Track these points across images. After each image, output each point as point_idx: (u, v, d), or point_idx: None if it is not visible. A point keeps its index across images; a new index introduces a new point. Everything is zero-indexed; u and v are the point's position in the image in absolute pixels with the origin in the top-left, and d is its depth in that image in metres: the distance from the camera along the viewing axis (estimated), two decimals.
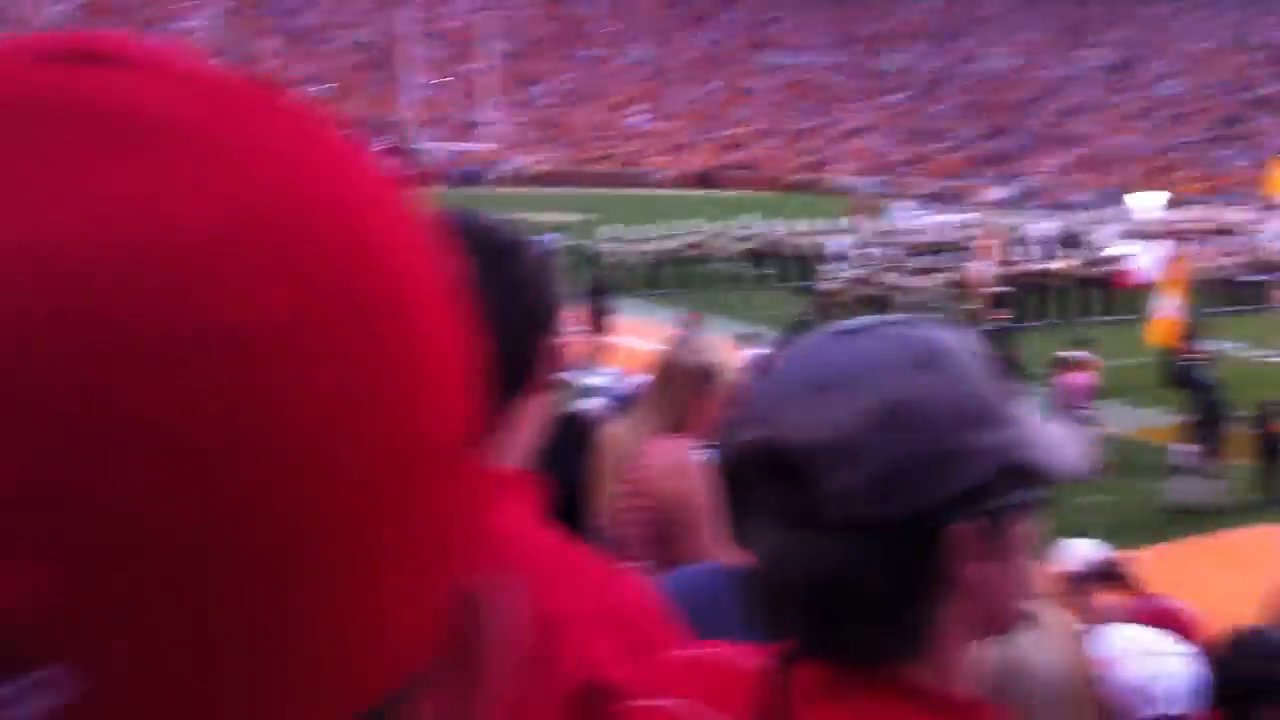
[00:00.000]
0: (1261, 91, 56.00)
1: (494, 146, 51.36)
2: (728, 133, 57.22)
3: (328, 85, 53.48)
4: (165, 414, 0.36)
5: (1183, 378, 13.88)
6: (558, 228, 25.21)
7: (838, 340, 1.06)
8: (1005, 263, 22.92)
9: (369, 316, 0.40)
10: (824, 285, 21.99)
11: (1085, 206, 37.49)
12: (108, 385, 0.35)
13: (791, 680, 1.07)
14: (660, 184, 50.22)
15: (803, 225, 27.92)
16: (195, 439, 0.36)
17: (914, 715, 1.04)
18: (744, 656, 1.16)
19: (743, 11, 67.50)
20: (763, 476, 1.04)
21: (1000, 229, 26.44)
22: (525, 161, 51.90)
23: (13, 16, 50.06)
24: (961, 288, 21.92)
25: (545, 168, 51.51)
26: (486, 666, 0.52)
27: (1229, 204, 35.22)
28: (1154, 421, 14.64)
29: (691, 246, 25.99)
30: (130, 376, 0.36)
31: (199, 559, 0.37)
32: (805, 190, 48.87)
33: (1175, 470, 12.68)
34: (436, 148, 50.54)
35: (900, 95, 61.52)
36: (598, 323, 18.25)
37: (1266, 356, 18.53)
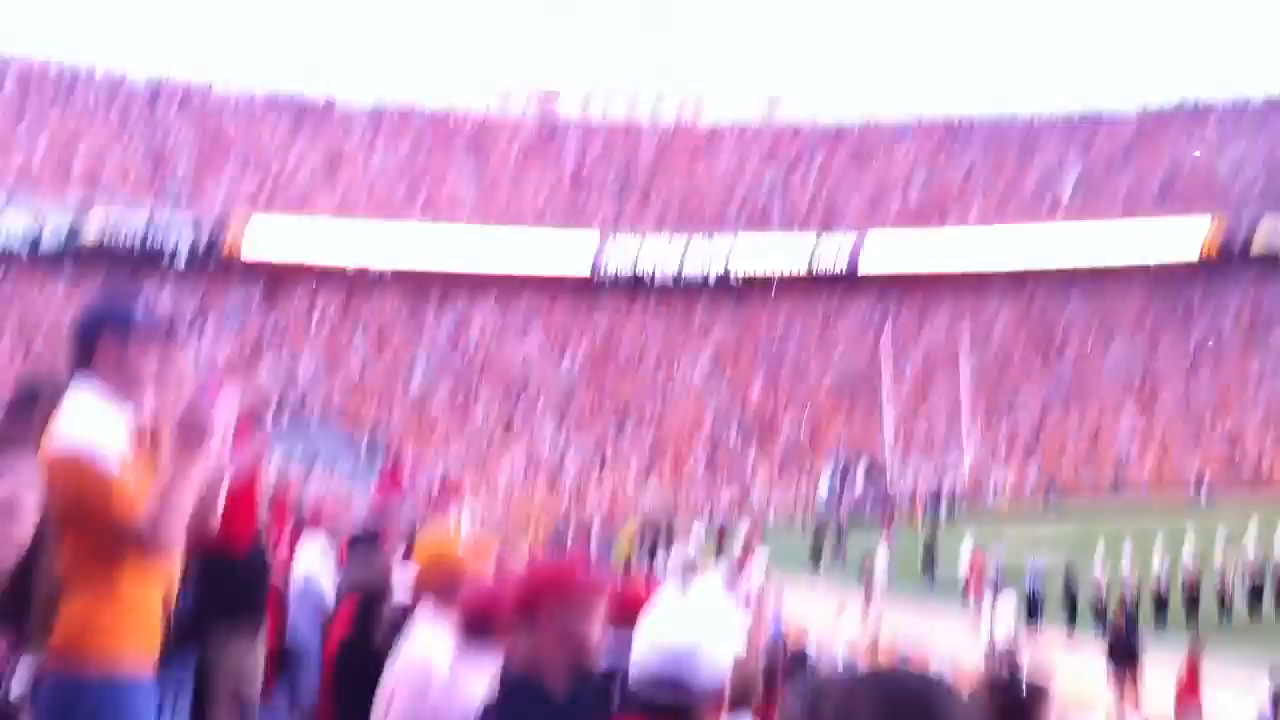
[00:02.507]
0: None
1: (968, 469, 50.50)
2: (1224, 434, 54.14)
3: (807, 415, 55.12)
4: None
5: None
6: (1044, 551, 24.21)
7: None
8: None
9: None
10: None
11: None
12: None
13: None
14: (1149, 497, 48.26)
15: None
16: None
17: None
18: None
19: (1236, 298, 62.95)
20: None
21: None
22: (1004, 480, 51.32)
23: None
24: None
25: (1026, 485, 50.99)
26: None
27: None
28: None
29: (1189, 571, 23.86)
30: None
31: None
32: None
33: None
34: (915, 472, 50.76)
35: None
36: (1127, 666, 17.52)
37: None
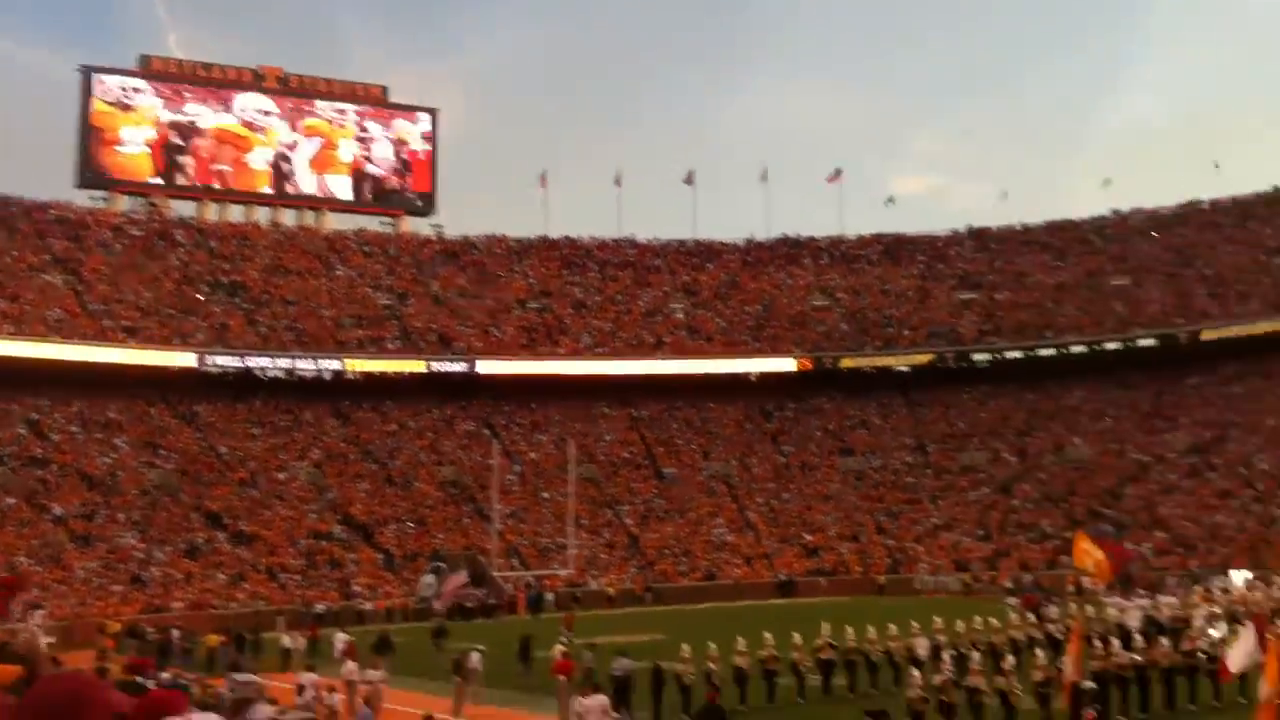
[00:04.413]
0: None
1: (571, 571, 50.75)
2: (808, 539, 56.63)
3: (414, 521, 54.32)
4: None
5: None
6: (627, 650, 24.53)
7: None
8: (1098, 656, 22.27)
9: None
10: (911, 692, 21.01)
11: (1175, 590, 37.90)
12: None
13: None
14: (741, 594, 50.90)
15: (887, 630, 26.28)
16: None
17: None
18: None
19: (819, 421, 66.51)
20: None
21: (1088, 619, 26.31)
22: (605, 582, 51.95)
23: None
24: (1048, 687, 21.32)
25: (625, 587, 51.71)
26: None
27: None
28: None
29: (767, 660, 24.76)
30: None
31: None
32: (891, 593, 50.19)
33: None
34: (517, 576, 50.70)
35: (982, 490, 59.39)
36: None
37: None
